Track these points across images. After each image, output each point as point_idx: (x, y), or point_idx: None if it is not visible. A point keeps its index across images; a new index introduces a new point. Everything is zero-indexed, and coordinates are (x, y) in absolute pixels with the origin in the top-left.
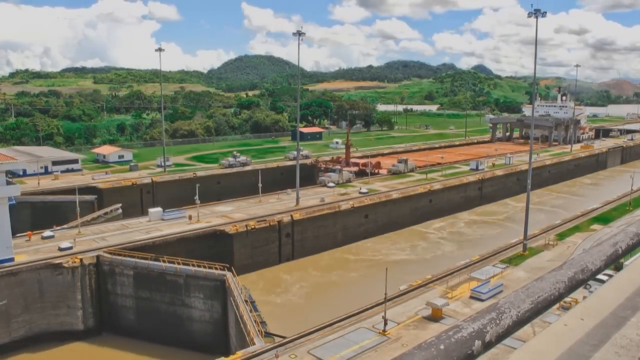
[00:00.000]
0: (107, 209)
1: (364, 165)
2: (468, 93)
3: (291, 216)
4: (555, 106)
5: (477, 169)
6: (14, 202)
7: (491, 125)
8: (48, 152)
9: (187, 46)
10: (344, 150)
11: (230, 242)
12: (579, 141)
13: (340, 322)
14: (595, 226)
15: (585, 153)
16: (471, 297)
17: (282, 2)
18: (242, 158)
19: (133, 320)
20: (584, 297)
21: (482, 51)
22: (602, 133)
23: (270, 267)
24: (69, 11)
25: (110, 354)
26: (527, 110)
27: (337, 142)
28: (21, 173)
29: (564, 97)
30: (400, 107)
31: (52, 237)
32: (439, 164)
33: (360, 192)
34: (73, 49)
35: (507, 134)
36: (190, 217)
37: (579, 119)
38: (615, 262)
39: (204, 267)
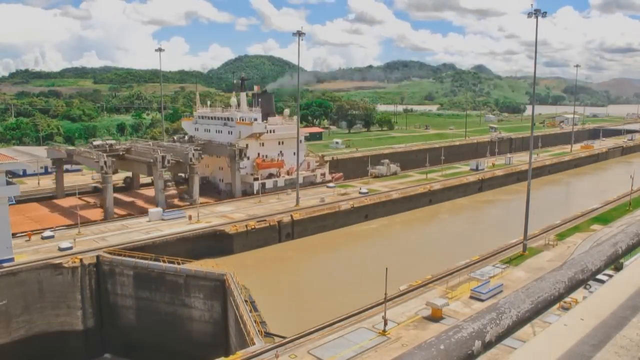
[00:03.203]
0: None
1: None
2: (468, 93)
3: (291, 216)
4: (220, 120)
5: (477, 169)
6: (13, 201)
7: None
8: None
9: (187, 46)
10: (343, 151)
11: (230, 242)
12: (242, 194)
13: (340, 322)
14: (595, 226)
15: (585, 153)
16: (471, 297)
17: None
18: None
19: (133, 320)
20: (584, 297)
21: (482, 51)
22: (603, 133)
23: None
24: (71, 11)
25: None
26: (188, 126)
27: (337, 142)
28: (21, 173)
29: (239, 101)
30: (400, 108)
31: (52, 237)
32: None
33: (360, 192)
34: (73, 48)
35: (129, 179)
36: (190, 217)
37: (241, 148)
38: (615, 262)
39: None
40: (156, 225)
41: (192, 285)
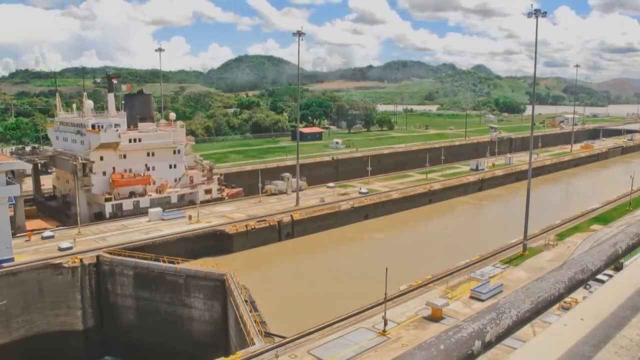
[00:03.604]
0: None
1: None
2: (468, 93)
3: (291, 216)
4: (75, 127)
5: (477, 169)
6: (13, 201)
7: None
8: None
9: (188, 46)
10: (343, 151)
11: (230, 242)
12: (96, 217)
13: (340, 322)
14: (595, 226)
15: (585, 153)
16: (471, 297)
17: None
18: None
19: (133, 320)
20: (584, 297)
21: (481, 51)
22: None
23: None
24: (75, 11)
25: None
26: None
27: (337, 142)
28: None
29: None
30: (400, 108)
31: (52, 237)
32: None
33: (360, 192)
34: (72, 48)
35: None
36: (190, 217)
37: (84, 161)
38: (615, 262)
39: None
40: (156, 225)
41: (192, 285)
